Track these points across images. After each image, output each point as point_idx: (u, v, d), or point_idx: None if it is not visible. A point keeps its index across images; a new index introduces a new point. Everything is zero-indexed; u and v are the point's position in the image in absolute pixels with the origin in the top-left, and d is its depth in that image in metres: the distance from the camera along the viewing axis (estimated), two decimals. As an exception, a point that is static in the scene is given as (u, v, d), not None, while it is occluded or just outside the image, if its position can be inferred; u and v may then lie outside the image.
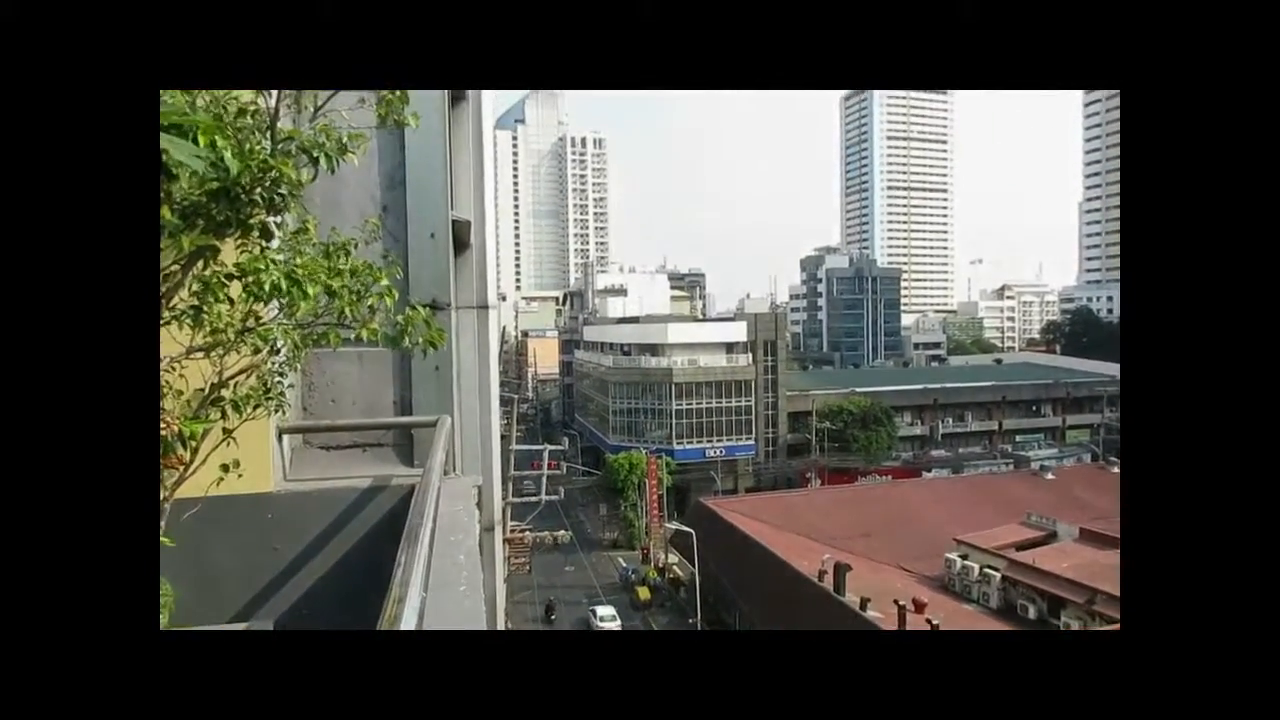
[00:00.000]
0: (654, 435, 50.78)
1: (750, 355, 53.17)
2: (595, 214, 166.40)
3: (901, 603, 21.80)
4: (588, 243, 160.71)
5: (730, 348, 53.52)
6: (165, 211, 2.17)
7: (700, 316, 79.16)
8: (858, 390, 56.11)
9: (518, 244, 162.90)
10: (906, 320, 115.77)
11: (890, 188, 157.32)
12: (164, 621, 2.44)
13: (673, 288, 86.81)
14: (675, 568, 37.77)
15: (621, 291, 75.68)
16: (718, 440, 51.21)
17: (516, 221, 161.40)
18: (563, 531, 28.06)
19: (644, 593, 36.04)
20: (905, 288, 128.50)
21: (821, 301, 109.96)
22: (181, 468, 2.28)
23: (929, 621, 20.20)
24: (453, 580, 2.46)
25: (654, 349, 53.01)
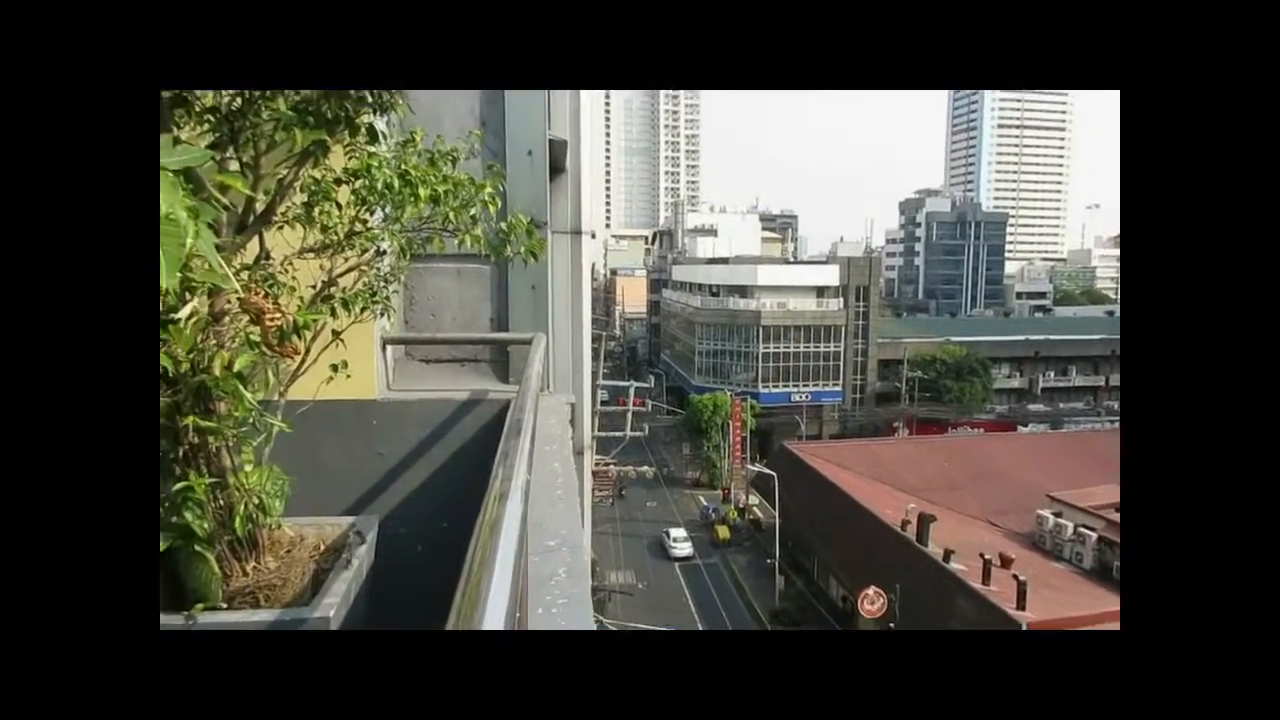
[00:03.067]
0: (739, 377, 50.54)
1: (841, 300, 51.80)
2: (687, 152, 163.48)
3: (987, 556, 21.28)
4: (678, 181, 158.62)
5: (821, 292, 52.26)
6: (281, 104, 2.21)
7: (791, 259, 77.44)
8: (953, 339, 54.00)
9: (608, 182, 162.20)
10: (1011, 268, 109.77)
11: (1001, 126, 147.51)
12: (280, 509, 2.56)
13: (764, 229, 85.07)
14: (755, 509, 38.02)
15: (711, 232, 74.63)
16: (804, 385, 50.57)
17: (608, 159, 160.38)
18: (646, 468, 28.62)
19: (723, 531, 36.56)
20: (1011, 233, 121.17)
21: (919, 246, 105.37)
22: (296, 358, 2.37)
23: (1015, 578, 19.65)
24: (549, 485, 2.50)
25: (743, 290, 52.31)
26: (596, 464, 18.21)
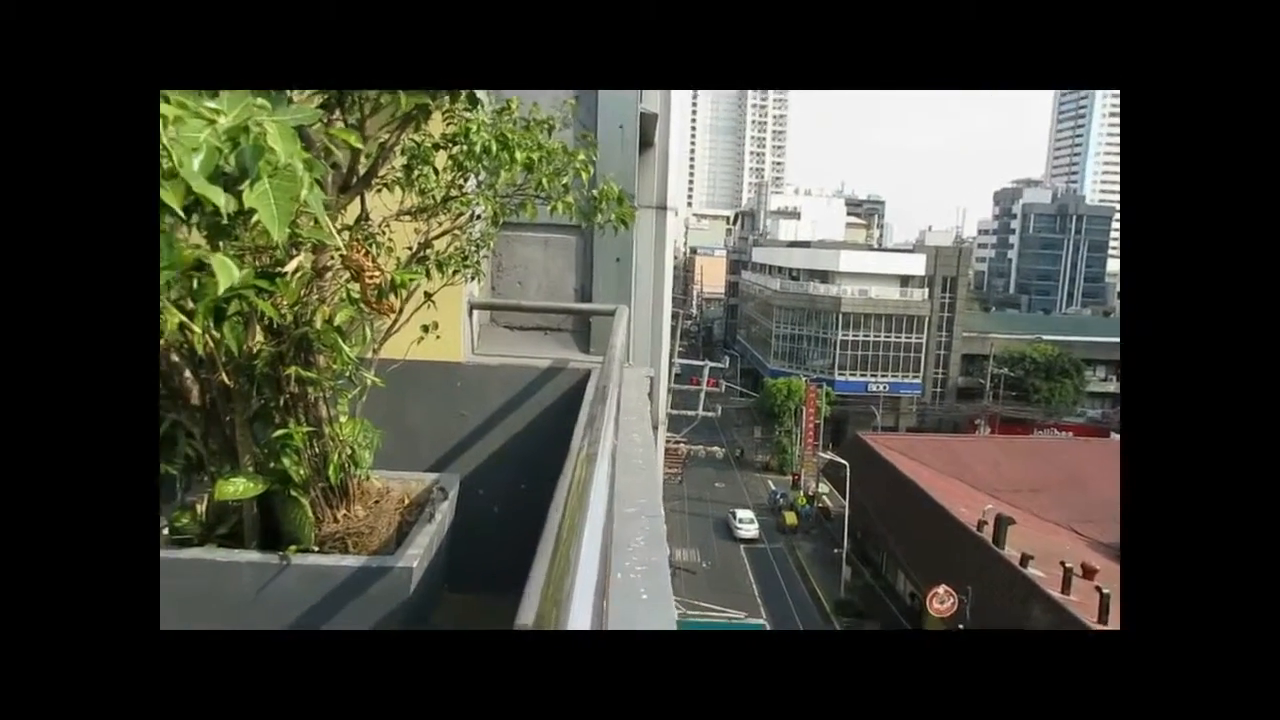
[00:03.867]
0: (815, 363, 49.70)
1: (927, 290, 50.11)
2: (774, 132, 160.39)
3: (1068, 565, 20.41)
4: (763, 161, 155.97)
5: (905, 280, 50.68)
6: (388, 67, 2.26)
7: (876, 245, 75.32)
8: (1045, 337, 51.60)
9: (692, 160, 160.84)
10: (1113, 265, 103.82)
11: (1114, 114, 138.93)
12: (369, 462, 2.65)
13: (849, 214, 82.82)
14: (825, 498, 37.49)
15: (794, 214, 73.18)
16: (882, 375, 49.32)
17: (693, 136, 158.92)
18: (717, 448, 28.54)
19: (790, 517, 36.23)
20: (1117, 230, 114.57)
21: (1013, 239, 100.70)
22: (391, 316, 2.44)
23: (1098, 589, 18.79)
24: (629, 454, 2.51)
25: (824, 275, 51.24)
26: (667, 441, 18.28)
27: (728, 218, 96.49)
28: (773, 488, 40.59)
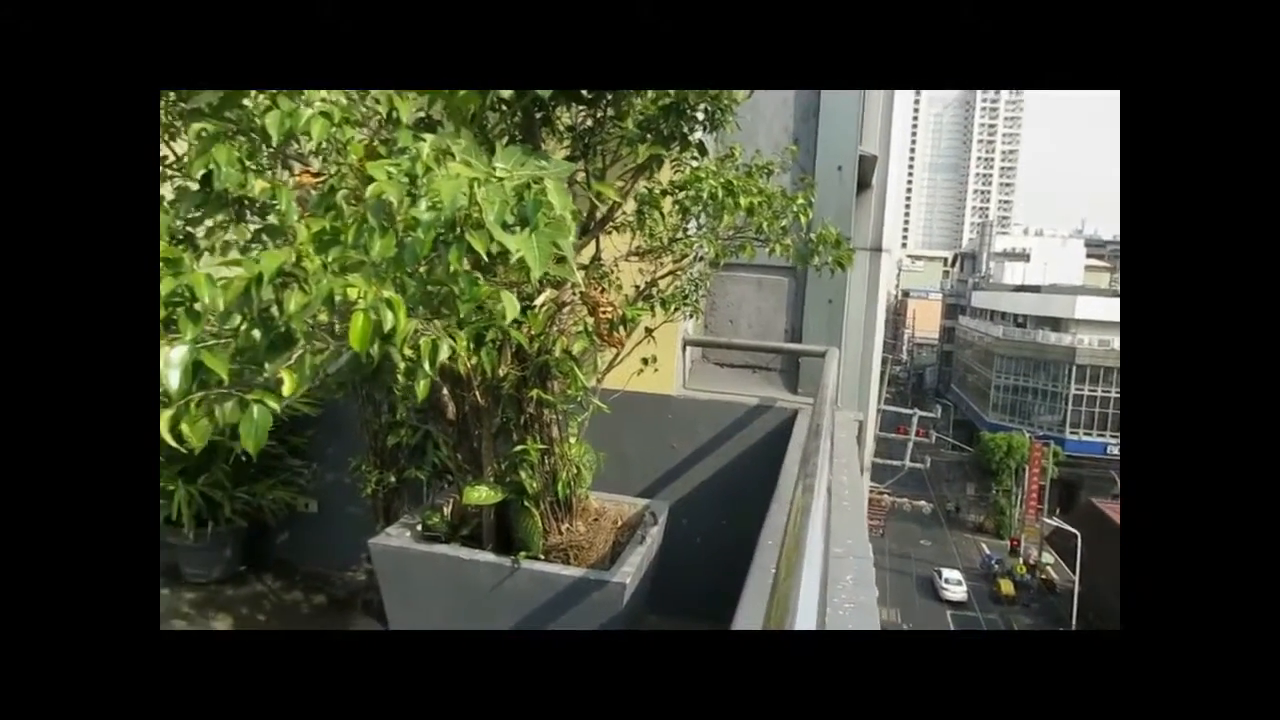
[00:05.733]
0: (1042, 419, 45.19)
1: (1184, 342, 43.92)
2: (1002, 168, 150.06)
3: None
4: (988, 200, 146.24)
5: (1157, 331, 44.77)
6: (629, 123, 2.50)
7: (1120, 291, 67.50)
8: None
9: (908, 199, 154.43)
10: None
11: None
12: (589, 483, 2.87)
13: (1089, 256, 75.12)
14: (1049, 568, 33.74)
15: (1023, 256, 67.64)
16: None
17: (910, 175, 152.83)
18: (924, 502, 26.76)
19: (1007, 586, 32.93)
20: None
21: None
22: (618, 348, 2.65)
23: None
24: (838, 495, 2.51)
25: (1055, 323, 46.71)
26: (871, 490, 17.51)
27: (945, 259, 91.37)
28: (986, 551, 37.20)
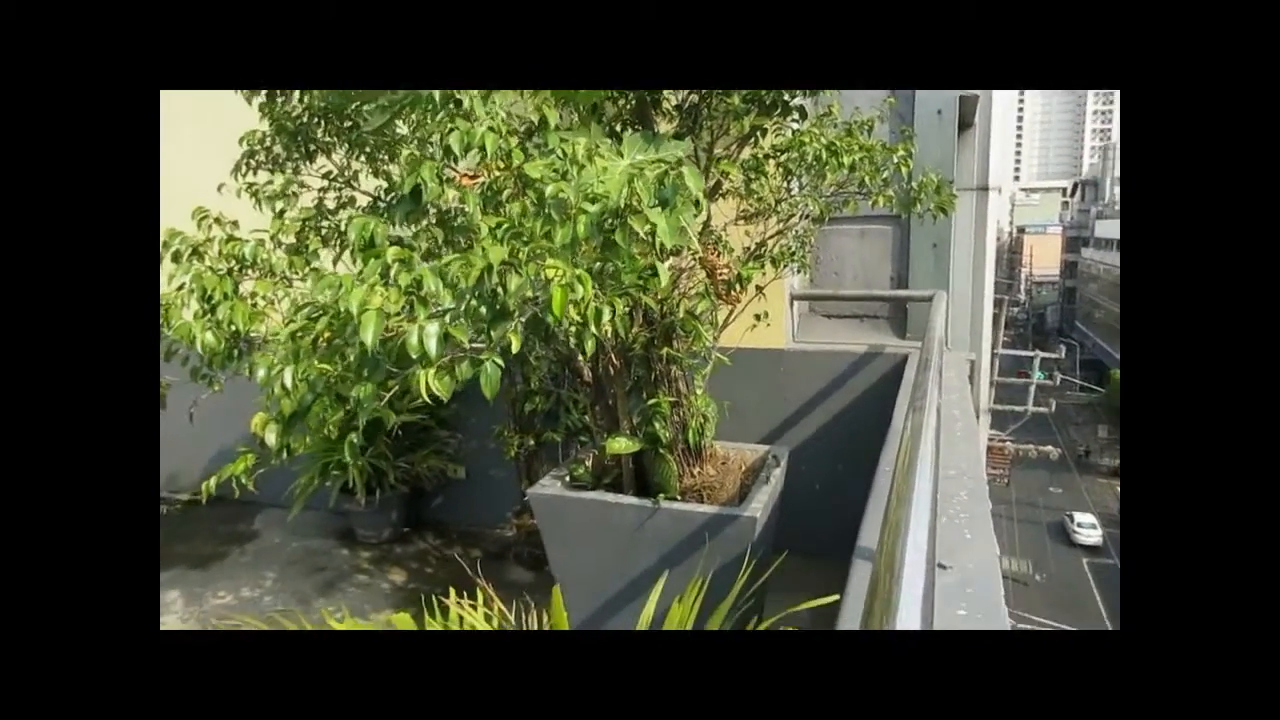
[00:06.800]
0: (1181, 353, 41.91)
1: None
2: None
3: None
4: (1110, 120, 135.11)
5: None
6: (735, 100, 2.70)
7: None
8: None
9: (1020, 129, 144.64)
10: None
11: None
12: (713, 431, 3.13)
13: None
14: (1194, 511, 31.62)
15: (1152, 178, 62.21)
16: (1279, 366, 40.09)
17: (1021, 104, 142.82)
18: (1051, 448, 25.51)
19: (1146, 531, 31.14)
20: None
21: None
22: (734, 305, 2.88)
23: None
24: (949, 428, 2.67)
25: (1193, 248, 43.03)
26: (991, 439, 16.98)
27: (1064, 189, 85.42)
28: (1123, 496, 35.19)
